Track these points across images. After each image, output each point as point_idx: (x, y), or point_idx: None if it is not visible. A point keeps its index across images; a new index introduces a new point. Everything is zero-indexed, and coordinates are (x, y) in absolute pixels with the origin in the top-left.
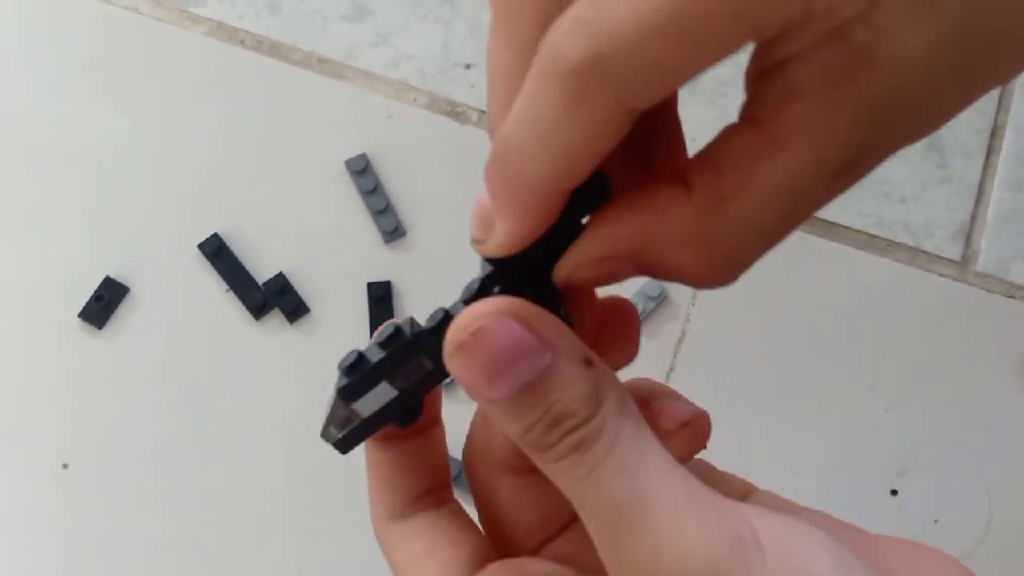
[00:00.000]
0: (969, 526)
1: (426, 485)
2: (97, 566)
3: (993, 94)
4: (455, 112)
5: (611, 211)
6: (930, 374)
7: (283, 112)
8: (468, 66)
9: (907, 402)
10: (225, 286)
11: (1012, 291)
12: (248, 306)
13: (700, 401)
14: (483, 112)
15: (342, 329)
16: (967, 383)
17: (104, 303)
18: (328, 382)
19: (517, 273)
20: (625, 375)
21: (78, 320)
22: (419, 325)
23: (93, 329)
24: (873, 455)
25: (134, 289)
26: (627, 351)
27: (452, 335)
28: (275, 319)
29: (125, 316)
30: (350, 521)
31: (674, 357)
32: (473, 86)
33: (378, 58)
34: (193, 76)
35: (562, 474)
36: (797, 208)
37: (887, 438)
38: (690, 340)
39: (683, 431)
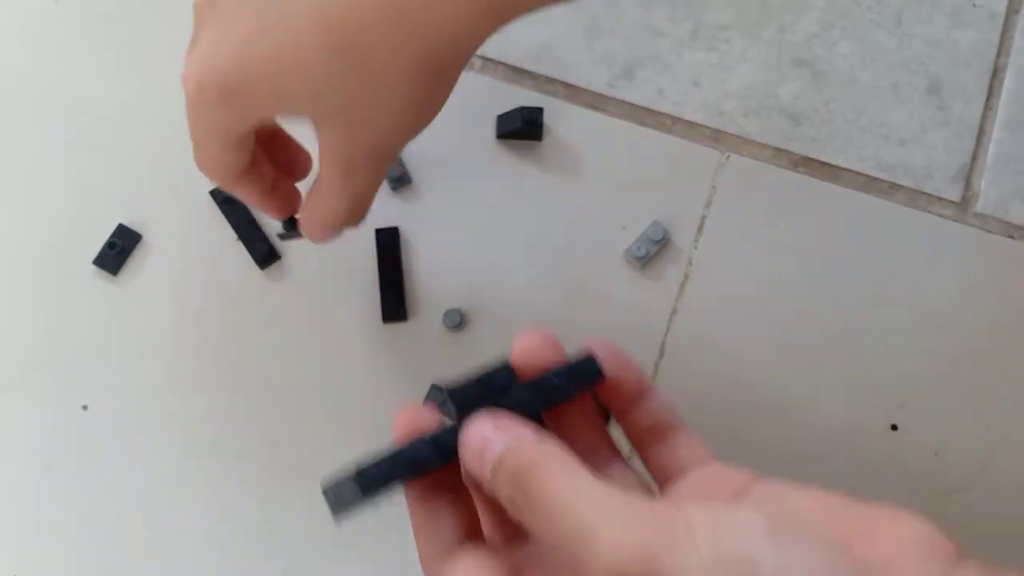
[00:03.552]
0: (968, 459)
1: (462, 525)
2: (115, 497)
3: (993, 36)
4: None
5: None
6: (929, 313)
7: None
8: None
9: (907, 340)
10: (235, 233)
11: (1011, 231)
12: (254, 255)
13: (702, 343)
14: (486, 59)
15: (350, 274)
16: (966, 321)
17: (118, 250)
18: (333, 326)
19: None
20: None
21: (93, 267)
22: (436, 439)
23: (108, 275)
24: (873, 392)
25: (147, 236)
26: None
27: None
28: (279, 268)
29: (139, 262)
30: (361, 448)
31: (676, 300)
32: None
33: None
34: None
35: (526, 521)
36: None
37: (887, 375)
38: (693, 283)
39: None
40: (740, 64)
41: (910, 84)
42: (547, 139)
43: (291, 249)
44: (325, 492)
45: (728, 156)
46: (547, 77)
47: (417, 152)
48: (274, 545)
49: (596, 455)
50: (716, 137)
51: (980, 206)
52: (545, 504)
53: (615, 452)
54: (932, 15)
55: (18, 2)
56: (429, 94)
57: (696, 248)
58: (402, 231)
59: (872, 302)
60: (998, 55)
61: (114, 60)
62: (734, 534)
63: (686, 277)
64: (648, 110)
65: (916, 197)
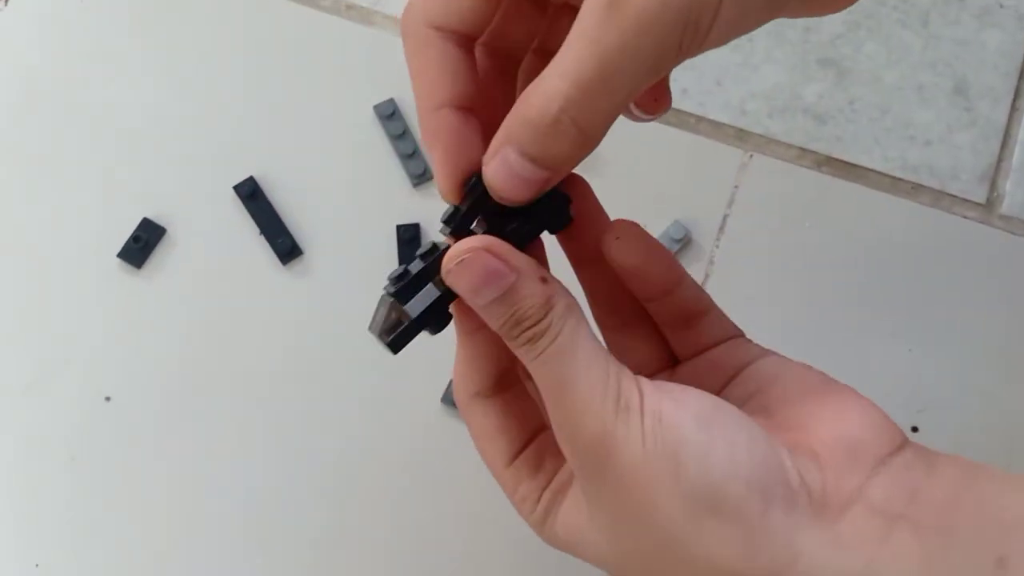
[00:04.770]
0: (990, 462)
1: (500, 369)
2: (137, 488)
3: (1020, 37)
4: None
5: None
6: (953, 315)
7: (313, 58)
8: None
9: (930, 342)
10: (258, 229)
11: None
12: (276, 251)
13: None
14: None
15: (371, 270)
16: (989, 324)
17: (142, 244)
18: (354, 322)
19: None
20: None
21: (117, 260)
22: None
23: (132, 269)
24: (895, 393)
25: (171, 230)
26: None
27: (445, 262)
28: (301, 264)
29: (163, 256)
30: (380, 443)
31: None
32: None
33: (405, 4)
34: (228, 23)
35: (524, 358)
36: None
37: (909, 377)
38: (714, 282)
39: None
40: (765, 64)
41: (936, 85)
42: None
43: (313, 245)
44: (370, 329)
45: (751, 156)
46: None
47: None
48: (296, 536)
49: (617, 313)
50: (740, 136)
51: (1006, 208)
52: (537, 351)
53: (639, 317)
54: (959, 15)
55: (48, 3)
56: None
57: (717, 248)
58: (423, 227)
59: (895, 304)
60: None
61: (142, 59)
62: (672, 427)
63: (707, 276)
64: (672, 109)
65: (941, 198)
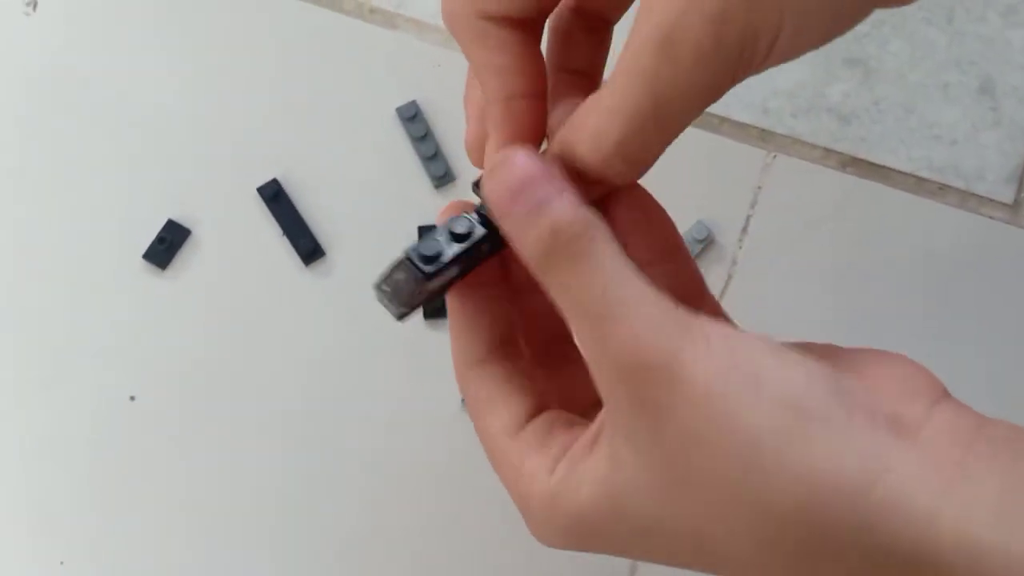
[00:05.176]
0: None
1: (498, 334)
2: (161, 486)
3: None
4: None
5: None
6: (979, 317)
7: (336, 61)
8: None
9: (955, 344)
10: (281, 230)
11: None
12: (299, 252)
13: None
14: None
15: None
16: (1017, 326)
17: (167, 245)
18: (376, 323)
19: None
20: None
21: (142, 261)
22: (481, 216)
23: (157, 270)
24: None
25: (195, 231)
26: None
27: (489, 163)
28: (323, 265)
29: (187, 257)
30: (400, 442)
31: (720, 300)
32: None
33: (428, 7)
34: (252, 27)
35: (559, 284)
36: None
37: None
38: (736, 283)
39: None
40: (789, 63)
41: (961, 83)
42: None
43: (335, 246)
44: (378, 287)
45: (775, 156)
46: None
47: (460, 149)
48: (317, 537)
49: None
50: (763, 137)
51: None
52: (581, 271)
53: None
54: (984, 13)
55: (75, 5)
56: None
57: (740, 248)
58: None
59: (920, 305)
60: None
61: (167, 62)
62: (743, 348)
63: (730, 277)
64: None
65: (967, 199)
